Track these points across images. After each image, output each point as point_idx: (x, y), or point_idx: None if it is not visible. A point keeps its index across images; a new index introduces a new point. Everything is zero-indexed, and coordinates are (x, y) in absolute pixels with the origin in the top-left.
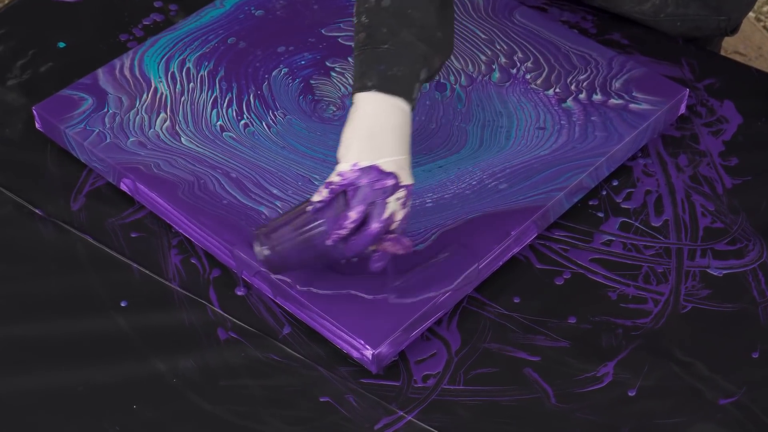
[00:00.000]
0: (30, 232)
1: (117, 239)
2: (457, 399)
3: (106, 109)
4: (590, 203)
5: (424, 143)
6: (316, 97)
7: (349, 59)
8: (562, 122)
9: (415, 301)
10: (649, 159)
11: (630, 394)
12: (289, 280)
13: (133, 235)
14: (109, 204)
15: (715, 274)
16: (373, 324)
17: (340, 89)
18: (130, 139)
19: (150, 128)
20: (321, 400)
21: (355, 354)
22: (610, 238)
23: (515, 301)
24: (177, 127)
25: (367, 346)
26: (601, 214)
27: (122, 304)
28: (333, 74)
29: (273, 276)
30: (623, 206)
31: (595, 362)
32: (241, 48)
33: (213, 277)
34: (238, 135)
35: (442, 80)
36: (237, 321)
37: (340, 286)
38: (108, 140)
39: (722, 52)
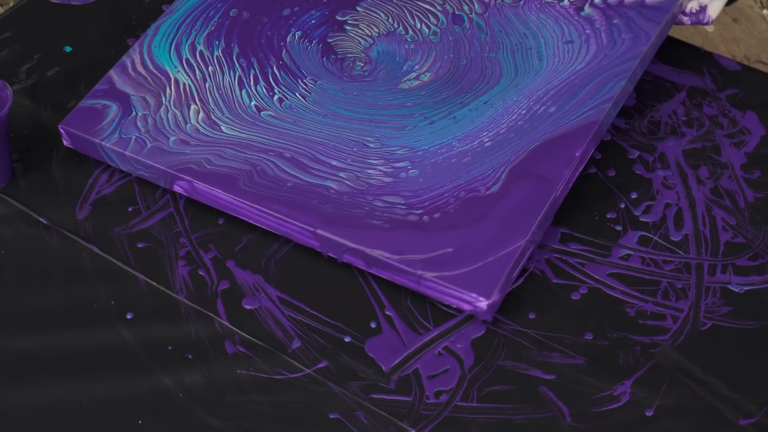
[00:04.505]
0: (34, 241)
1: (123, 249)
2: (470, 416)
3: (134, 113)
4: (608, 216)
5: (462, 82)
6: (339, 56)
7: (358, 8)
8: (587, 32)
9: (510, 245)
10: (669, 171)
11: (647, 413)
12: (384, 252)
13: (139, 246)
14: (116, 213)
15: (735, 290)
16: (479, 275)
17: (360, 42)
18: (171, 139)
19: (186, 123)
20: (330, 416)
21: (467, 307)
22: (628, 252)
23: (530, 316)
24: (213, 117)
25: (481, 298)
26: (619, 228)
27: (128, 316)
28: (347, 28)
29: (367, 250)
30: (642, 219)
31: (611, 380)
32: (246, 19)
33: (221, 289)
34: (277, 112)
35: (456, 12)
36: (245, 334)
37: (434, 248)
38: (149, 145)
39: (745, 61)
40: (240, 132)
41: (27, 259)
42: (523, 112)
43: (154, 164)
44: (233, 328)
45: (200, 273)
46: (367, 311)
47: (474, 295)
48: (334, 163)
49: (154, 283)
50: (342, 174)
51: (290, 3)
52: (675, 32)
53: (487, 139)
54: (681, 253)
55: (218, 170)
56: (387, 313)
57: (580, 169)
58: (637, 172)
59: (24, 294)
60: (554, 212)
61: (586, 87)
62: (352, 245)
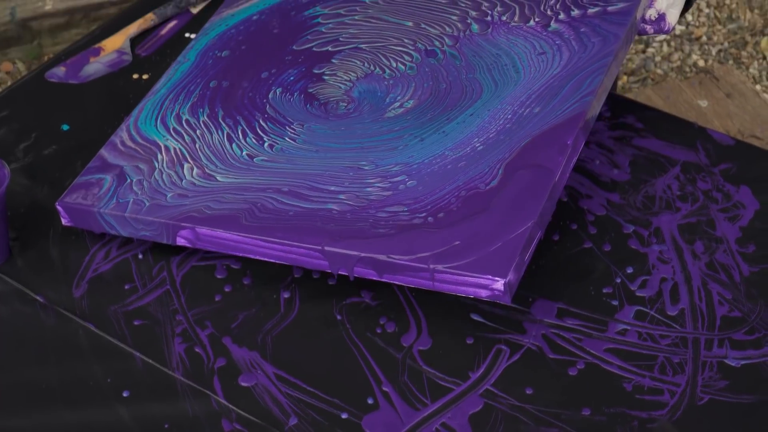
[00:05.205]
0: (31, 319)
1: (120, 327)
2: None
3: (129, 180)
4: (604, 291)
5: (445, 102)
6: (322, 101)
7: (333, 60)
8: (557, 42)
9: (519, 228)
10: (664, 245)
11: None
12: (394, 255)
13: (136, 323)
14: (112, 291)
15: (732, 364)
16: (492, 258)
17: (340, 87)
18: (169, 195)
19: (182, 180)
20: None
21: (484, 294)
22: (625, 327)
23: (527, 392)
24: (207, 171)
25: (497, 278)
26: (615, 303)
27: (124, 394)
28: (326, 77)
29: (377, 256)
30: (638, 294)
31: None
32: (226, 87)
33: (217, 366)
34: (269, 156)
35: (429, 48)
36: (242, 412)
37: (443, 243)
38: (147, 204)
39: (738, 136)
40: (236, 178)
41: (23, 337)
42: (509, 116)
43: (155, 219)
44: (230, 405)
45: (196, 350)
46: (364, 387)
47: (489, 276)
48: (333, 188)
49: (150, 361)
50: (342, 196)
51: (267, 66)
52: (669, 108)
53: (479, 144)
54: (677, 327)
55: (219, 213)
56: (384, 389)
57: (574, 159)
58: (633, 246)
59: (20, 372)
60: (556, 200)
61: (567, 86)
62: (362, 254)
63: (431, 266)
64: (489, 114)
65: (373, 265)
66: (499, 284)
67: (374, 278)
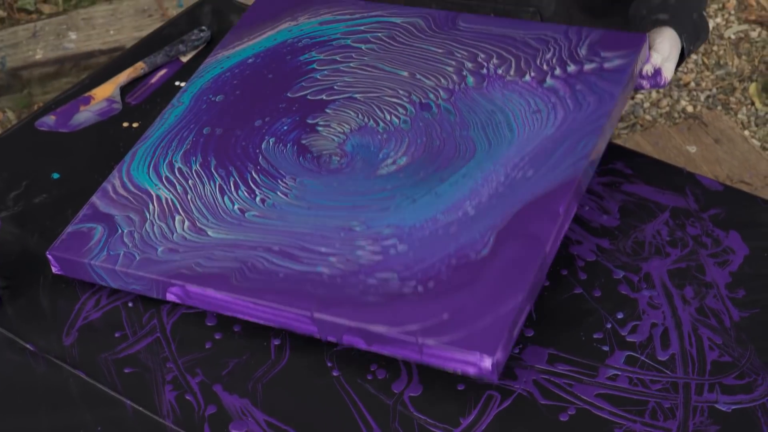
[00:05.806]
0: (21, 367)
1: (110, 375)
2: None
3: (119, 231)
4: (595, 336)
5: (438, 160)
6: (315, 154)
7: (327, 110)
8: (552, 101)
9: (508, 304)
10: (654, 291)
11: None
12: (383, 326)
13: (126, 371)
14: (103, 338)
15: (723, 409)
16: (480, 335)
17: (334, 139)
18: (159, 249)
19: (173, 233)
20: None
21: (472, 371)
22: (615, 372)
23: None
24: (198, 224)
25: (485, 356)
26: (606, 348)
27: None
28: (319, 128)
29: (367, 326)
30: (629, 339)
31: None
32: (219, 134)
33: (208, 413)
34: (261, 211)
35: (423, 101)
36: None
37: (432, 315)
38: (138, 258)
39: (727, 182)
40: (227, 234)
41: (13, 385)
42: (502, 179)
43: (145, 275)
44: None
45: (187, 398)
46: None
47: (477, 354)
48: (323, 249)
49: (140, 409)
50: (332, 258)
51: (261, 114)
52: (658, 154)
53: (471, 209)
54: (668, 372)
55: (209, 271)
56: None
57: (566, 226)
58: (623, 292)
59: (10, 420)
60: (546, 269)
61: (560, 148)
62: (351, 324)
63: (420, 340)
64: (482, 176)
65: (362, 335)
66: (487, 362)
67: (363, 347)
